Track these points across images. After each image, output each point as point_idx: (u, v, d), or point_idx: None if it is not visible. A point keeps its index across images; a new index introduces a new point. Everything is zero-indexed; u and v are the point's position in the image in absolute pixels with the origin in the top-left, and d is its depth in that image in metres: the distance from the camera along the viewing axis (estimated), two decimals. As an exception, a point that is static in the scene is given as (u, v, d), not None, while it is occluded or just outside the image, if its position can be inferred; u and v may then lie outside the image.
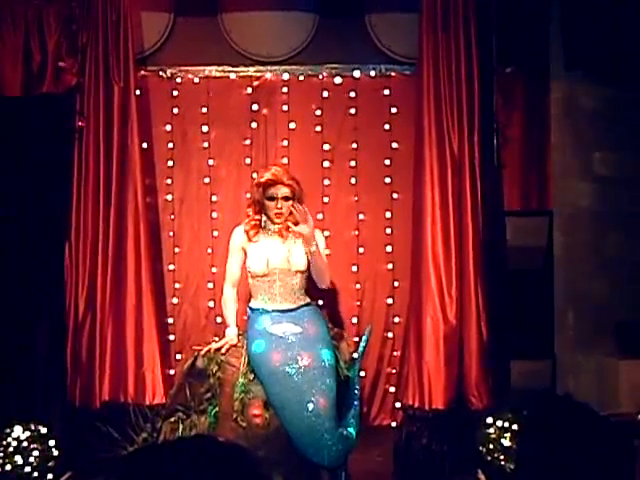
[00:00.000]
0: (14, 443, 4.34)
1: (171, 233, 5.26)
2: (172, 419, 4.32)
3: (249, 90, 5.27)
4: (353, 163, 5.29)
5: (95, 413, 4.80)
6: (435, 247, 4.89)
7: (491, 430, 4.48)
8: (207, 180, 5.27)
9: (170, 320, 5.23)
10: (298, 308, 4.39)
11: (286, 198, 4.38)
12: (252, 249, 4.44)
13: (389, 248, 5.27)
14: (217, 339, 4.53)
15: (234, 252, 4.52)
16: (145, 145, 5.13)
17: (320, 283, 4.47)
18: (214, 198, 5.27)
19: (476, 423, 4.60)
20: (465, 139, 4.92)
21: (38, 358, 4.97)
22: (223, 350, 4.33)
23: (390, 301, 5.28)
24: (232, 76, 5.27)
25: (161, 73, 5.26)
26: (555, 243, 5.20)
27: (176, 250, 5.26)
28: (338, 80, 5.28)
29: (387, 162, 5.28)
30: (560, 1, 5.15)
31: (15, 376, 4.90)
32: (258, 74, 5.27)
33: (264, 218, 4.45)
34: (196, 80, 5.26)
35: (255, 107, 5.26)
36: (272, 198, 4.38)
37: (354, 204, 5.28)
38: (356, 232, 5.27)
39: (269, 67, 5.28)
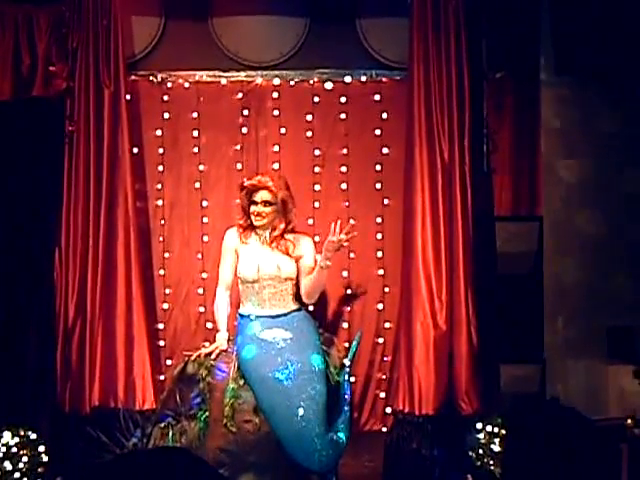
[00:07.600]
0: (3, 449, 4.31)
1: (161, 238, 5.25)
2: (162, 424, 4.31)
3: (240, 95, 5.26)
4: (344, 168, 5.29)
5: (85, 418, 4.78)
6: (425, 252, 4.90)
7: (481, 435, 4.49)
8: (198, 185, 5.26)
9: (160, 325, 5.21)
10: (288, 313, 4.39)
11: (267, 203, 4.39)
12: (244, 253, 4.44)
13: (380, 253, 5.27)
14: (207, 344, 4.53)
15: (227, 253, 4.51)
16: (135, 150, 5.12)
17: (310, 298, 4.49)
18: (205, 203, 5.26)
19: (466, 428, 4.60)
20: (455, 144, 4.94)
21: (28, 363, 4.94)
22: (213, 355, 4.32)
23: (380, 306, 5.28)
24: (223, 81, 5.27)
25: (152, 78, 5.25)
26: (545, 248, 5.21)
27: (166, 255, 5.25)
28: (329, 85, 5.28)
29: (378, 167, 5.29)
30: (550, 6, 5.17)
31: (4, 381, 4.87)
32: (249, 79, 5.28)
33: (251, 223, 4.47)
34: (187, 85, 5.26)
35: (246, 112, 5.27)
36: (254, 202, 4.40)
37: (345, 209, 5.28)
38: (347, 237, 5.27)
39: (260, 72, 5.28)
